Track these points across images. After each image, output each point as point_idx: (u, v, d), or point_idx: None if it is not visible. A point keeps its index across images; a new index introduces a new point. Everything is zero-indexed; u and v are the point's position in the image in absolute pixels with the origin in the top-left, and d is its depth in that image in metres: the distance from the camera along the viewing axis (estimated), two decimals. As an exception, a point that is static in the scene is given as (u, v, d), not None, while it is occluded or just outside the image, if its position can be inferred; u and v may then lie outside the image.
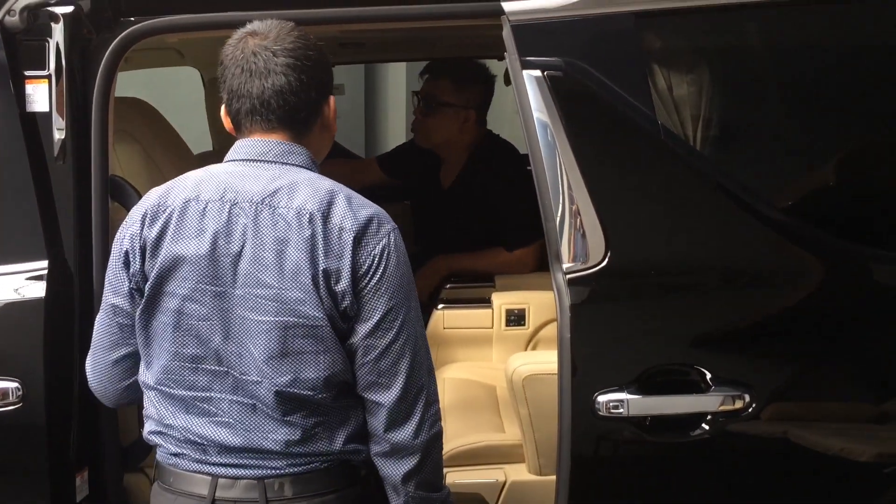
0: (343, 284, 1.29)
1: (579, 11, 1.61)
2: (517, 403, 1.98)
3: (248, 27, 1.40)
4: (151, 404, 1.41)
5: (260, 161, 1.37)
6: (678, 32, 1.67)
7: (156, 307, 1.35)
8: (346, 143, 3.89)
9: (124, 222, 1.40)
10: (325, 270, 1.29)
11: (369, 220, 1.31)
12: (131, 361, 1.44)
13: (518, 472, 2.08)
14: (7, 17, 1.70)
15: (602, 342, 1.59)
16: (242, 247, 1.31)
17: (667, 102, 1.63)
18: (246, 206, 1.32)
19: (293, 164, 1.37)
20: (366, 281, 1.31)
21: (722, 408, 1.57)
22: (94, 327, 1.46)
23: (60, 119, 1.74)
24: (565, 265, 1.58)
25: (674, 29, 1.67)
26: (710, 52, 1.70)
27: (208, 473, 1.35)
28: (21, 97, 1.73)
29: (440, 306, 2.64)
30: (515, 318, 2.60)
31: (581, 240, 1.59)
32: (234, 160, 1.39)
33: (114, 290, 1.40)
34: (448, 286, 2.78)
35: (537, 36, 1.61)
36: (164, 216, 1.35)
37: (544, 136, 1.60)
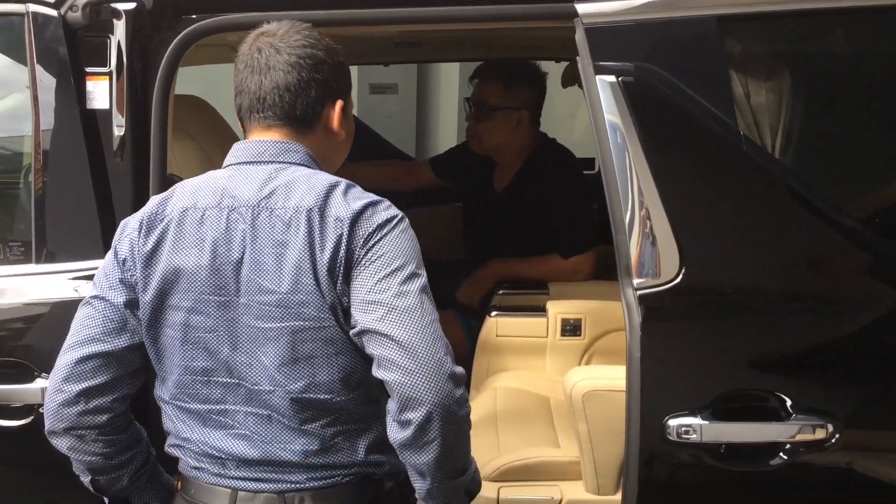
0: (342, 274, 1.24)
1: (657, 14, 1.53)
2: (576, 420, 1.90)
3: (263, 27, 1.39)
4: (169, 419, 1.37)
5: (256, 163, 1.33)
6: (763, 38, 1.58)
7: (161, 321, 1.31)
8: (398, 144, 3.84)
9: (122, 226, 1.36)
10: (325, 266, 1.24)
11: (365, 207, 1.26)
12: (100, 363, 1.30)
13: (575, 490, 2.00)
14: (70, 13, 1.69)
15: (674, 363, 1.51)
16: (243, 253, 1.27)
17: (748, 111, 1.55)
18: (244, 211, 1.28)
19: (290, 163, 1.33)
20: (359, 256, 1.24)
21: (802, 437, 1.48)
22: (72, 325, 1.34)
23: (120, 116, 1.72)
24: (636, 280, 1.51)
25: (758, 34, 1.58)
26: (797, 59, 1.60)
27: (228, 486, 1.32)
28: (82, 94, 1.71)
29: (493, 313, 2.57)
30: (571, 328, 2.53)
31: (653, 254, 1.51)
32: (232, 164, 1.36)
33: (107, 286, 1.32)
34: (500, 292, 2.71)
35: (612, 39, 1.53)
36: (161, 226, 1.30)
37: (617, 145, 1.52)
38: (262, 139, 1.35)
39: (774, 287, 1.52)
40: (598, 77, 1.52)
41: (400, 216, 1.29)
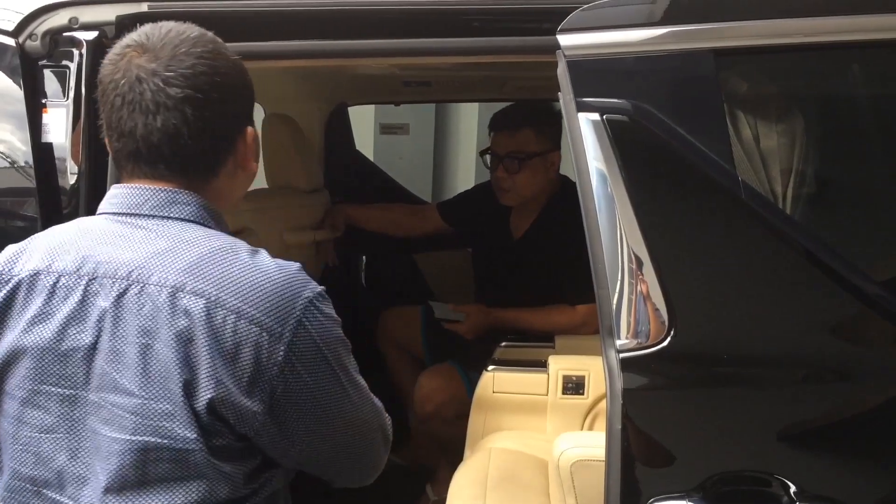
0: (231, 393, 0.96)
1: (648, 48, 1.39)
2: (564, 492, 1.72)
3: (135, 36, 1.07)
4: None
5: (134, 215, 1.05)
6: (767, 74, 1.43)
7: None
8: (412, 186, 3.74)
9: None
10: (206, 373, 0.96)
11: (278, 296, 0.98)
12: None
13: (562, 573, 1.81)
14: (28, 42, 1.61)
15: (661, 438, 1.33)
16: (97, 338, 1.00)
17: (751, 156, 1.38)
18: (107, 283, 1.00)
19: (177, 219, 1.05)
20: (267, 384, 0.97)
21: (807, 529, 1.28)
22: None
23: (77, 151, 1.62)
24: (619, 342, 1.34)
25: (762, 70, 1.42)
26: (807, 99, 1.44)
27: None
28: (37, 126, 1.62)
29: (490, 367, 2.41)
30: (573, 385, 2.35)
31: (640, 313, 1.34)
32: (105, 213, 1.09)
33: None
34: (503, 344, 2.56)
35: (597, 74, 1.39)
36: (7, 289, 1.05)
37: (601, 190, 1.37)
38: (144, 185, 1.07)
39: (777, 355, 1.34)
40: (580, 114, 1.37)
41: (319, 302, 1.02)
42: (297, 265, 1.04)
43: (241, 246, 1.04)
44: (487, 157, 2.74)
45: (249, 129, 1.12)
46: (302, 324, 0.99)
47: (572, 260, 2.56)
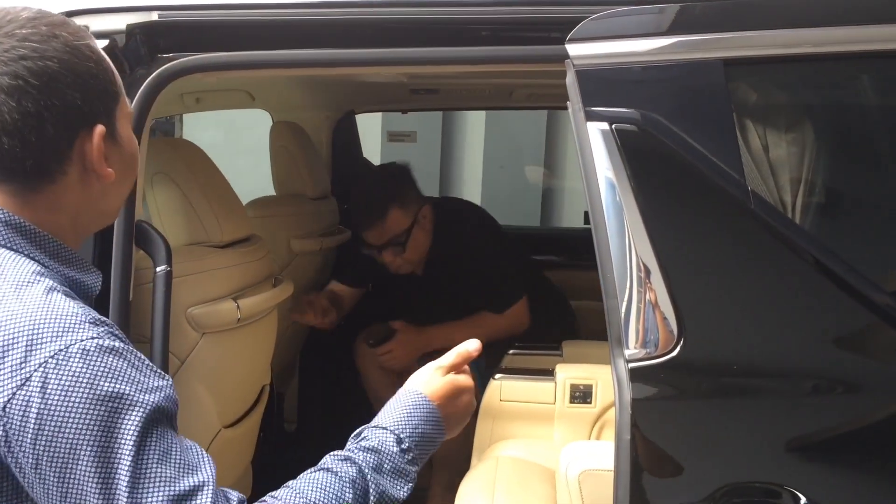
0: None
1: (657, 57, 1.39)
2: (572, 502, 1.71)
3: None
4: None
5: None
6: (777, 84, 1.42)
7: None
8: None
9: None
10: None
11: (8, 344, 0.82)
12: None
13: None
14: (39, 51, 1.62)
15: (669, 448, 1.33)
16: None
17: (760, 165, 1.38)
18: None
19: None
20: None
21: (818, 541, 1.27)
22: None
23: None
24: (628, 352, 1.33)
25: (771, 80, 1.42)
26: (816, 109, 1.44)
27: None
28: (47, 135, 1.62)
29: (497, 376, 2.41)
30: (581, 394, 2.35)
31: (649, 323, 1.34)
32: None
33: None
34: (511, 352, 2.56)
35: (606, 84, 1.39)
36: None
37: (610, 199, 1.37)
38: None
39: (787, 366, 1.33)
40: (589, 124, 1.38)
41: (69, 360, 0.83)
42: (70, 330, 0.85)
43: (37, 279, 0.88)
44: (371, 251, 2.66)
45: (99, 127, 0.96)
46: (34, 389, 0.82)
47: (482, 273, 2.60)
